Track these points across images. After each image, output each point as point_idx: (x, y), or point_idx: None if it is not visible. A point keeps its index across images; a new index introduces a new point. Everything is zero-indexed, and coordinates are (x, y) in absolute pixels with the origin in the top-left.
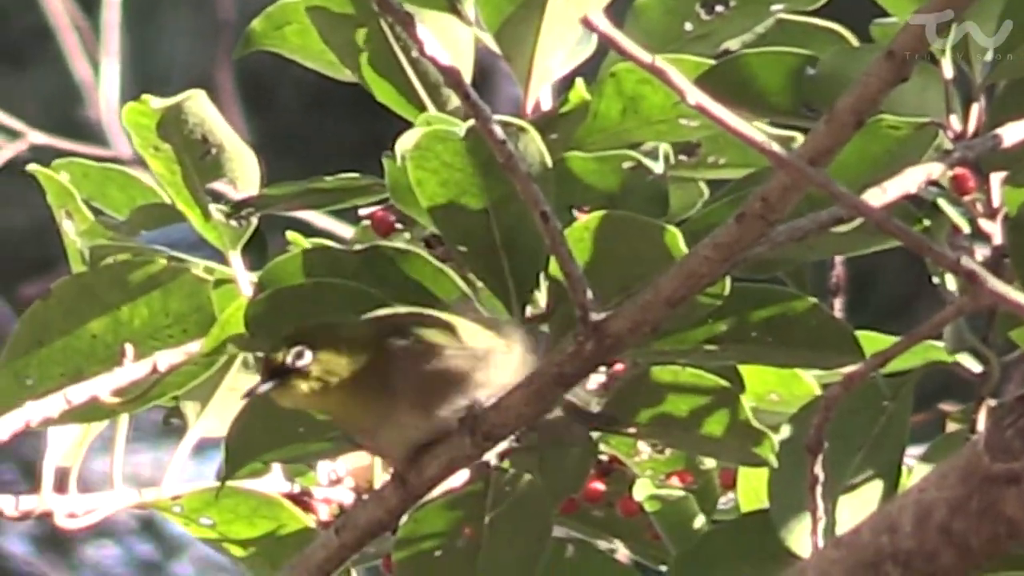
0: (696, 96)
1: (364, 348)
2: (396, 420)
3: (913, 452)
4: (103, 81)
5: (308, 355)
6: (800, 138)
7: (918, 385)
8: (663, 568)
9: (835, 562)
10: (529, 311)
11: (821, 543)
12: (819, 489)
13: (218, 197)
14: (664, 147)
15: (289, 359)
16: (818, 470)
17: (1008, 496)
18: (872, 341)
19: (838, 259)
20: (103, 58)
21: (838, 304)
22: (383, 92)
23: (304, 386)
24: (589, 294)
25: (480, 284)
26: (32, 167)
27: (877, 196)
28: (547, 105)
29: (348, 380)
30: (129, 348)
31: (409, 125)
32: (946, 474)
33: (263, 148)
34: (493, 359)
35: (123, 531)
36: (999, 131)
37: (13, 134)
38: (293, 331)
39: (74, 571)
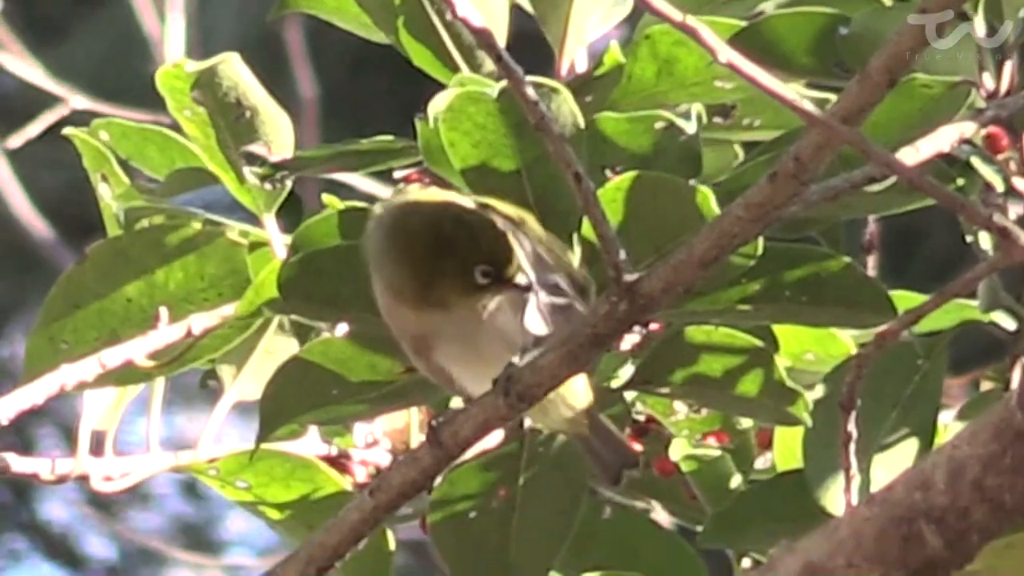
0: (728, 54)
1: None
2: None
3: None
4: (168, 37)
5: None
6: (834, 99)
7: (956, 347)
8: (700, 528)
9: (868, 520)
10: None
11: (855, 501)
12: (852, 447)
13: (253, 160)
14: (697, 107)
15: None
16: (852, 428)
17: None
18: (906, 300)
19: (871, 218)
20: (168, 13)
21: (871, 262)
22: (419, 55)
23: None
24: (622, 255)
25: None
26: (68, 130)
27: (910, 155)
28: (582, 68)
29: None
30: (164, 311)
31: (446, 88)
32: (979, 431)
33: (324, 104)
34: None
35: (164, 495)
36: None
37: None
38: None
39: (115, 535)
